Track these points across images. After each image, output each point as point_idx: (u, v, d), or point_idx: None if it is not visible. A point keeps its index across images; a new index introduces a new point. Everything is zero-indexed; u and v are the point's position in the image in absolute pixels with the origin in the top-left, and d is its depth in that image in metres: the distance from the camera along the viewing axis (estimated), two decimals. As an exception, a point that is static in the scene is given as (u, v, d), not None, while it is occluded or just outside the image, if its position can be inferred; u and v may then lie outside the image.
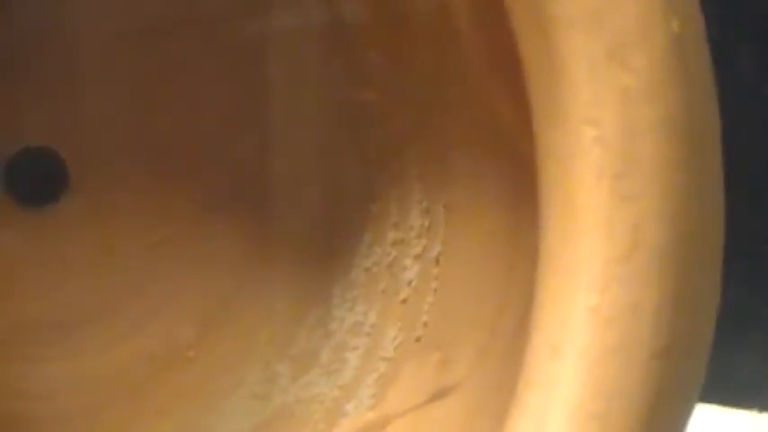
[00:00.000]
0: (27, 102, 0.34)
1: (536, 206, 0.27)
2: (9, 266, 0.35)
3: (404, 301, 0.33)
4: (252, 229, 0.36)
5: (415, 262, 0.33)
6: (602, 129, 0.17)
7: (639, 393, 0.17)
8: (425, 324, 0.32)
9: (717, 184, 0.18)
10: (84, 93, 0.35)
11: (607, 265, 0.17)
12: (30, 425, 0.35)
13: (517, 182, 0.29)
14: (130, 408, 0.35)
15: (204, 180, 0.36)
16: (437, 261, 0.32)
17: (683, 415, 0.18)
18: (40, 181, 0.36)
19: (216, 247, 0.36)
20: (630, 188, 0.17)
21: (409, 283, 0.33)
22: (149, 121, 0.35)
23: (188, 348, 0.36)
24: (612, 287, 0.17)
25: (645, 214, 0.17)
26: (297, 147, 0.35)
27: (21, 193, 0.35)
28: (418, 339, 0.32)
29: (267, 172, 0.36)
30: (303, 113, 0.34)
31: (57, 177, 0.35)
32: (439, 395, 0.29)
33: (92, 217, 0.36)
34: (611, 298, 0.17)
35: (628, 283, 0.17)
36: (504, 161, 0.29)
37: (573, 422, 0.17)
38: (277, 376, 0.35)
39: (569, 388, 0.17)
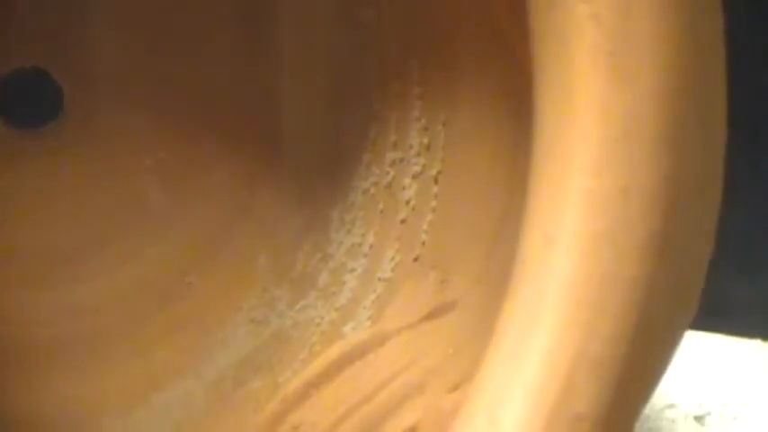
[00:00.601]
0: (22, 22, 0.34)
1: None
2: (3, 192, 0.34)
3: (402, 221, 0.32)
4: (249, 154, 0.35)
5: (413, 181, 0.32)
6: (597, 5, 0.17)
7: (633, 279, 0.17)
8: (424, 243, 0.31)
9: (718, 63, 0.17)
10: (85, 17, 0.34)
11: (602, 147, 0.17)
12: (28, 351, 0.35)
13: (517, 96, 0.28)
14: (130, 333, 0.35)
15: (202, 104, 0.35)
16: (436, 180, 0.32)
17: (681, 304, 0.18)
18: (33, 104, 0.36)
19: (213, 172, 0.36)
20: (626, 67, 0.17)
21: (408, 202, 0.32)
22: (151, 48, 0.34)
23: (186, 274, 0.36)
24: (607, 170, 0.17)
25: (641, 94, 0.17)
26: (296, 69, 0.34)
27: (14, 117, 0.35)
28: (416, 259, 0.31)
29: (266, 95, 0.35)
30: (306, 34, 0.34)
31: (51, 100, 0.35)
32: (437, 313, 0.29)
33: (87, 142, 0.35)
34: (606, 181, 0.17)
35: (623, 165, 0.17)
36: (505, 73, 0.28)
37: (566, 310, 0.17)
38: (275, 301, 0.35)
39: (562, 275, 0.17)
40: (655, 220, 0.17)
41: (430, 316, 0.29)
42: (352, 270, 0.33)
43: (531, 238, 0.18)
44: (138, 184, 0.35)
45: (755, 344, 0.39)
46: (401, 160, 0.33)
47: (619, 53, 0.17)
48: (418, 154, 0.32)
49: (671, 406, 0.37)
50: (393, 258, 0.32)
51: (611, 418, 0.17)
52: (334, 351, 0.29)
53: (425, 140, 0.32)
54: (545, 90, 0.18)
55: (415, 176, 0.32)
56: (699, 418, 0.37)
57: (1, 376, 0.34)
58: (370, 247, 0.33)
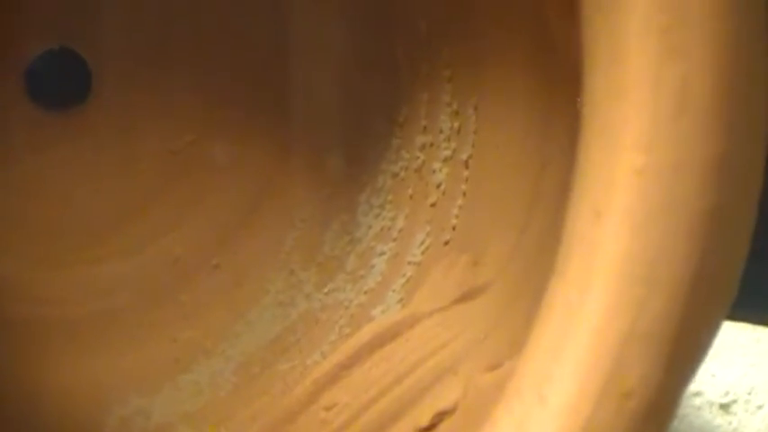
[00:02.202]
0: (48, 4, 0.34)
1: (567, 103, 0.27)
2: (31, 171, 0.34)
3: (433, 205, 0.32)
4: (276, 135, 0.35)
5: (444, 165, 0.32)
6: (651, -20, 0.17)
7: (685, 255, 0.17)
8: (454, 227, 0.31)
9: (764, 37, 0.17)
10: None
11: (654, 123, 0.17)
12: (55, 331, 0.35)
13: (549, 72, 0.28)
14: (155, 314, 0.35)
15: (229, 86, 0.35)
16: (467, 164, 0.32)
17: (726, 282, 0.18)
18: (62, 84, 0.36)
19: (240, 154, 0.36)
20: (679, 42, 0.17)
21: (438, 186, 0.32)
22: (172, 27, 0.34)
23: (212, 256, 0.36)
24: (659, 146, 0.17)
25: (694, 69, 0.17)
26: (320, 48, 0.34)
27: (44, 97, 0.35)
28: (447, 243, 0.31)
29: (291, 77, 0.35)
30: (327, 13, 0.34)
31: (79, 80, 0.35)
32: (468, 296, 0.29)
33: (114, 121, 0.35)
34: (658, 157, 0.17)
35: (676, 142, 0.17)
36: (536, 49, 0.28)
37: (617, 286, 0.17)
38: (302, 283, 0.35)
39: (613, 251, 0.17)
40: (707, 197, 0.17)
41: (461, 299, 0.29)
42: (382, 254, 0.33)
43: (580, 214, 0.17)
44: (164, 168, 0.35)
45: (781, 333, 0.39)
46: (431, 144, 0.33)
47: (672, 27, 0.17)
48: (449, 138, 0.32)
49: (697, 394, 0.37)
50: (423, 242, 0.32)
51: (659, 394, 0.17)
52: (366, 333, 0.29)
53: (456, 124, 0.32)
54: (594, 64, 0.18)
55: (445, 160, 0.32)
56: (724, 407, 0.36)
57: (27, 355, 0.34)
58: (400, 230, 0.33)
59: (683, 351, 0.17)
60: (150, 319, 0.35)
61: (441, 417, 0.25)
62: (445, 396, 0.25)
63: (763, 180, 0.18)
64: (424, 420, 0.24)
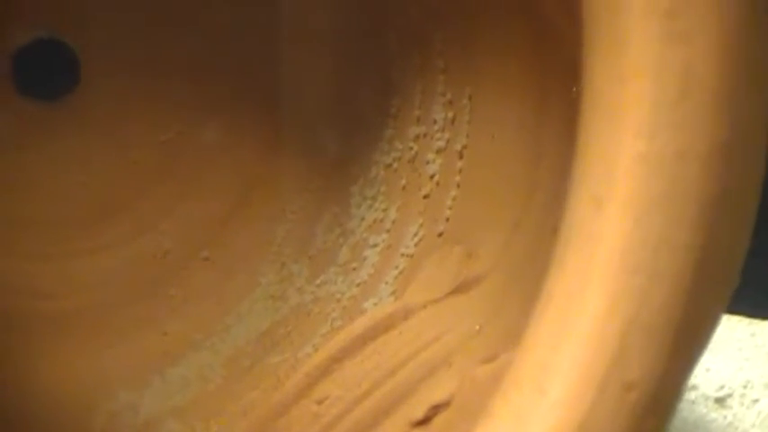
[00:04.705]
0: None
1: (563, 92, 0.26)
2: (18, 163, 0.34)
3: (426, 197, 0.32)
4: (266, 127, 0.35)
5: (438, 156, 0.32)
6: (654, -38, 0.16)
7: (688, 244, 0.16)
8: (448, 219, 0.31)
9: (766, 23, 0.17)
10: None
11: (656, 109, 0.16)
12: (39, 323, 0.34)
13: (544, 59, 0.27)
14: (143, 307, 0.35)
15: (218, 77, 0.35)
16: (461, 154, 0.31)
17: (729, 271, 0.17)
18: (50, 74, 0.35)
19: (229, 145, 0.35)
20: (682, 26, 0.16)
21: (432, 177, 0.32)
22: (161, 16, 0.34)
23: (202, 248, 0.35)
24: (662, 133, 0.16)
25: (697, 55, 0.16)
26: (311, 38, 0.34)
27: (31, 87, 0.34)
28: (440, 234, 0.31)
29: (281, 68, 0.35)
30: (318, 1, 0.33)
31: (67, 71, 0.34)
32: (463, 288, 0.28)
33: (103, 112, 0.35)
34: (661, 144, 0.16)
35: (678, 128, 0.16)
36: (531, 34, 0.27)
37: (618, 276, 0.17)
38: (294, 276, 0.34)
39: (614, 240, 0.16)
40: (711, 184, 0.16)
41: (455, 291, 0.28)
42: (374, 245, 0.33)
43: (580, 202, 0.17)
44: (153, 159, 0.35)
45: (777, 326, 0.38)
46: (425, 135, 0.32)
47: (675, 10, 0.16)
48: (443, 129, 0.32)
49: (691, 387, 0.36)
50: (416, 234, 0.32)
51: (661, 385, 0.17)
52: (358, 326, 0.28)
53: (450, 114, 0.32)
54: (595, 48, 0.17)
55: (439, 151, 0.32)
56: (719, 400, 0.36)
57: (15, 348, 0.34)
58: (393, 222, 0.33)
59: (685, 342, 0.17)
60: (139, 312, 0.34)
61: (436, 410, 0.24)
62: (440, 389, 0.25)
63: (765, 168, 0.18)
64: (419, 413, 0.24)
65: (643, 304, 0.16)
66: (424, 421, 0.24)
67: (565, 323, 0.17)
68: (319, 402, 0.27)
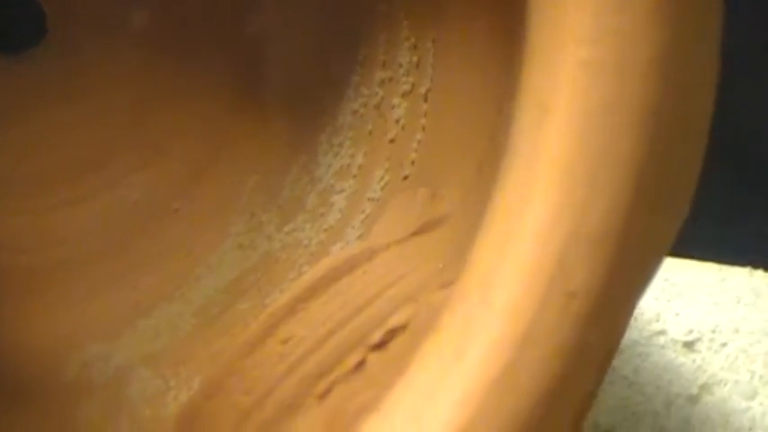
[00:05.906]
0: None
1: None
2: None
3: (392, 141, 0.32)
4: (234, 79, 0.35)
5: (403, 100, 0.32)
6: None
7: (628, 156, 0.16)
8: (413, 162, 0.31)
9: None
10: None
11: (599, 16, 0.16)
12: (9, 278, 0.34)
13: (508, 7, 0.27)
14: (114, 260, 0.35)
15: (187, 32, 0.35)
16: (426, 98, 0.31)
17: (679, 190, 0.17)
18: (16, 28, 0.35)
19: (198, 99, 0.35)
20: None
21: (397, 121, 0.32)
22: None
23: (173, 201, 0.35)
24: (605, 39, 0.16)
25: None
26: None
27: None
28: (406, 177, 0.31)
29: (250, 20, 0.35)
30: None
31: (32, 23, 0.34)
32: (426, 228, 0.28)
33: (69, 67, 0.35)
34: (602, 52, 0.16)
35: (619, 35, 0.16)
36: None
37: (560, 187, 0.17)
38: (263, 225, 0.34)
39: (556, 152, 0.17)
40: (650, 95, 0.16)
41: (419, 231, 0.28)
42: (341, 191, 0.33)
43: (525, 110, 0.17)
44: (121, 114, 0.35)
45: (746, 272, 0.39)
46: (390, 79, 0.32)
47: None
48: (407, 72, 0.32)
49: (660, 332, 0.37)
50: (382, 178, 0.32)
51: (604, 296, 0.17)
52: (322, 267, 0.28)
53: (415, 58, 0.32)
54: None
55: (404, 95, 0.32)
56: (688, 344, 0.36)
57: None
58: (359, 167, 0.33)
59: (627, 254, 0.17)
60: (109, 266, 0.34)
61: (392, 334, 0.24)
62: (398, 318, 0.25)
63: (715, 81, 0.18)
64: (376, 338, 0.24)
65: (584, 216, 0.17)
66: (381, 345, 0.24)
67: (508, 236, 0.17)
68: (284, 342, 0.27)
